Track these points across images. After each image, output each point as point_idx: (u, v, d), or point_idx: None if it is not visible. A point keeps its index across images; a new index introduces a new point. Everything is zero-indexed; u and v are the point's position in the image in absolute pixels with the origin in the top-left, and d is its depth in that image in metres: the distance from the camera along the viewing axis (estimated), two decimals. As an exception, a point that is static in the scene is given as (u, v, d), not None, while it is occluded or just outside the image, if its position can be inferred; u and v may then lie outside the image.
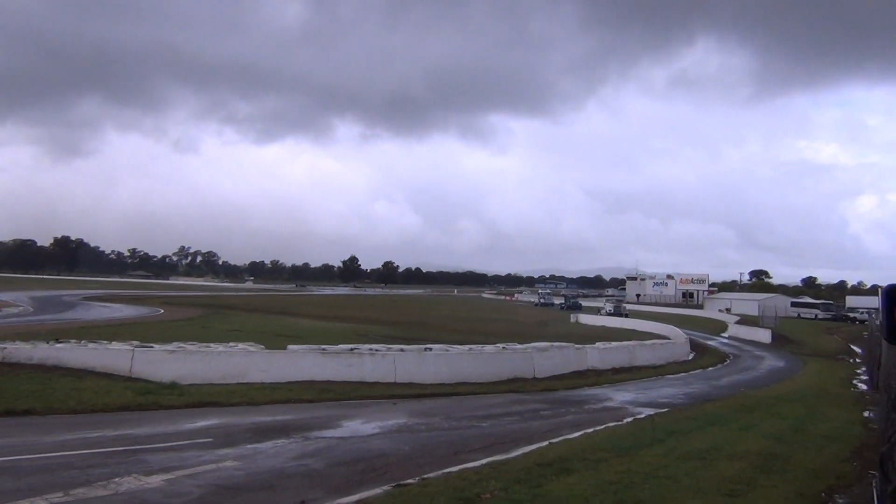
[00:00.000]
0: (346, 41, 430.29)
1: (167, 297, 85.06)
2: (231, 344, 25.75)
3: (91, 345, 23.31)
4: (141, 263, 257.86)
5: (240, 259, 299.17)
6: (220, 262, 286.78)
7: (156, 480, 10.81)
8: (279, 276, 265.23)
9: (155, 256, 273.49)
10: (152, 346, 23.33)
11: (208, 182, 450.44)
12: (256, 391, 20.29)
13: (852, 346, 52.61)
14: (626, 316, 75.77)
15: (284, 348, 25.20)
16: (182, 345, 24.45)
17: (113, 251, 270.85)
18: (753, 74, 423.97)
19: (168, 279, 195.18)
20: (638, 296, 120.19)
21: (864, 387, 28.79)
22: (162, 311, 60.37)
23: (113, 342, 24.39)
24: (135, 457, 12.33)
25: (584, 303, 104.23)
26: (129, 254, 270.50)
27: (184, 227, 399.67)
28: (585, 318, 73.81)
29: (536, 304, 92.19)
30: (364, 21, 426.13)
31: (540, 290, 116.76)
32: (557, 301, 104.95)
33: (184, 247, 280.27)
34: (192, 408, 17.71)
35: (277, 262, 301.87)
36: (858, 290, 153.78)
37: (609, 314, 75.03)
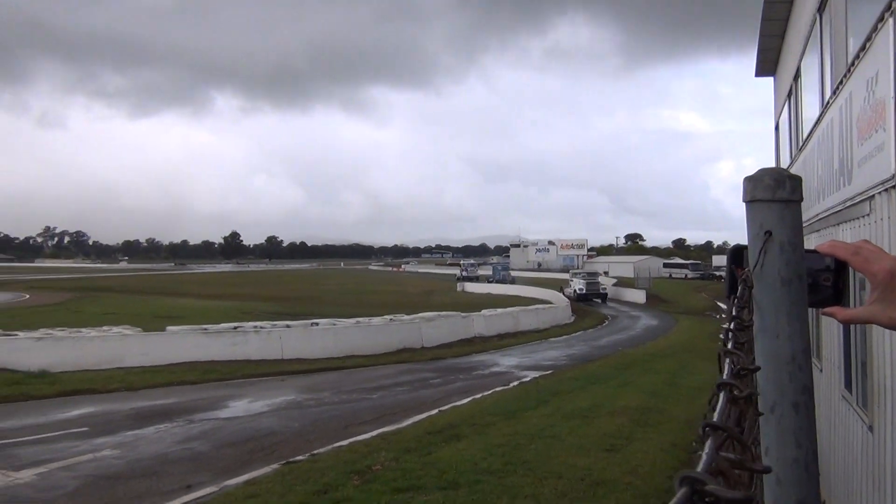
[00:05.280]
0: (224, 12, 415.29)
1: (32, 281, 79.84)
2: (105, 328, 24.58)
3: (-54, 336, 21.62)
4: (1, 246, 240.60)
5: (112, 238, 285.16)
6: (91, 242, 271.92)
7: (27, 475, 10.23)
8: (156, 255, 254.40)
9: (17, 238, 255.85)
10: (17, 335, 21.91)
11: (76, 159, 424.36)
12: (135, 376, 19.47)
13: (718, 303, 56.11)
14: (514, 282, 76.68)
15: (164, 330, 24.27)
16: (50, 331, 23.09)
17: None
18: (621, 47, 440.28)
19: (33, 262, 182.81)
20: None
21: (729, 340, 30.84)
22: (27, 296, 56.66)
23: (-28, 332, 22.71)
24: (2, 452, 11.61)
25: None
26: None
27: (49, 207, 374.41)
28: (472, 287, 74.94)
29: (459, 278, 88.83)
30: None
31: (462, 262, 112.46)
32: (483, 272, 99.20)
33: (49, 227, 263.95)
34: (66, 396, 16.81)
35: (154, 240, 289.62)
36: (723, 249, 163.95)
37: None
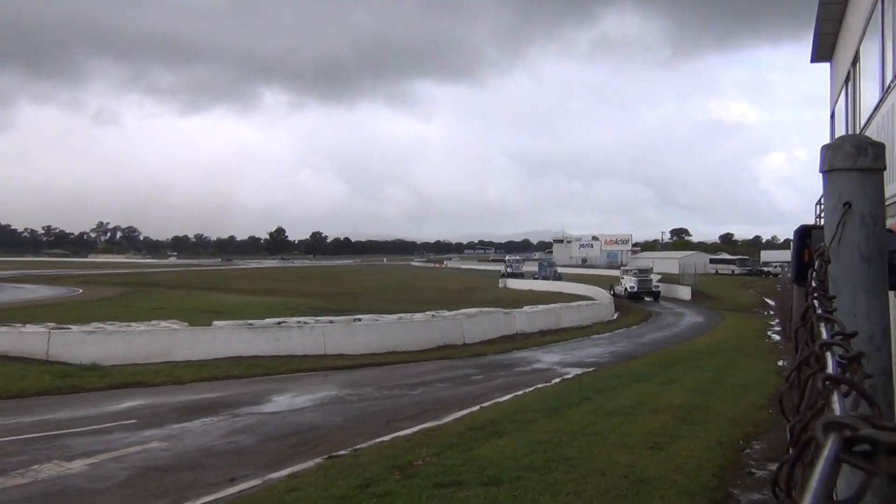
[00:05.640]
0: (272, 9, 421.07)
1: (86, 276, 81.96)
2: (154, 322, 25.07)
3: (2, 328, 22.32)
4: (57, 241, 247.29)
5: (162, 234, 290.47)
6: (142, 238, 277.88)
7: (78, 465, 10.49)
8: (204, 251, 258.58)
9: (72, 234, 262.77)
10: (70, 328, 22.50)
11: (129, 155, 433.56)
12: (182, 370, 19.85)
13: (766, 300, 54.94)
14: (560, 278, 75.58)
15: (210, 325, 24.68)
16: (101, 325, 23.67)
17: (26, 229, 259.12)
18: (670, 36, 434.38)
19: (87, 257, 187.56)
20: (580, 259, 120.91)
21: (777, 337, 30.19)
22: (80, 290, 58.20)
23: (27, 325, 23.41)
24: (55, 442, 11.93)
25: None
26: (43, 232, 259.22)
27: (102, 203, 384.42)
28: (513, 283, 74.68)
29: (503, 275, 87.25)
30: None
31: (507, 258, 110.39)
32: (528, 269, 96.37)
33: (102, 223, 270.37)
34: (116, 389, 17.22)
35: (202, 236, 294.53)
36: (772, 244, 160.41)
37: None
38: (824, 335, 0.91)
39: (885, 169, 1.17)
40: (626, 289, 56.59)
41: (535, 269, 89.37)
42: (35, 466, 10.32)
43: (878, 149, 1.15)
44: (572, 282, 66.11)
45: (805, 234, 1.36)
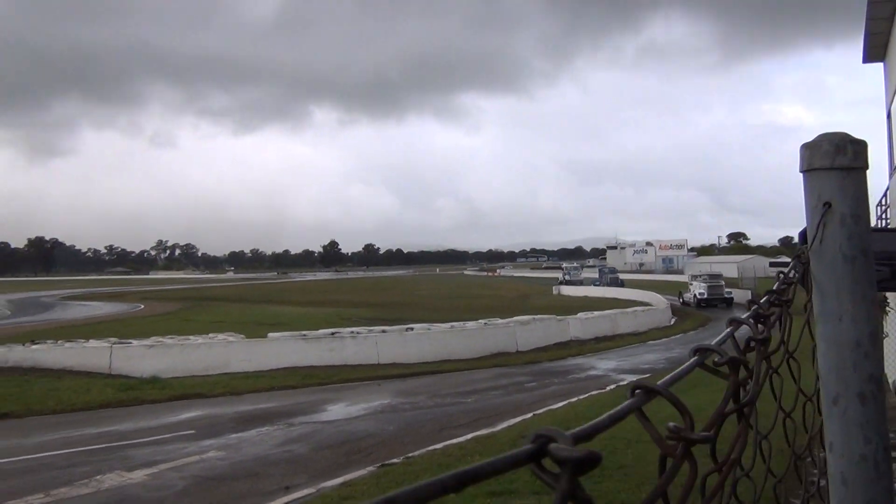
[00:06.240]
0: (320, 29, 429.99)
1: (147, 292, 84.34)
2: (211, 335, 25.62)
3: (68, 344, 23.10)
4: (119, 260, 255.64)
5: (219, 250, 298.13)
6: (200, 254, 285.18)
7: (139, 475, 10.74)
8: (260, 265, 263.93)
9: (133, 252, 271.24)
10: (131, 343, 23.16)
11: (185, 175, 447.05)
12: (239, 380, 20.21)
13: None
14: (623, 285, 73.56)
15: (265, 336, 25.08)
16: (161, 339, 24.30)
17: (90, 249, 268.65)
18: (719, 41, 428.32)
19: (147, 274, 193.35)
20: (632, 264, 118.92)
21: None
22: (142, 306, 59.85)
23: (90, 340, 24.19)
24: (117, 453, 12.24)
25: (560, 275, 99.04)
26: (106, 251, 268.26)
27: (161, 222, 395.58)
28: (567, 290, 74.01)
29: (561, 282, 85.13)
30: (337, 7, 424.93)
31: (564, 266, 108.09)
32: (591, 275, 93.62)
33: (161, 241, 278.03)
34: (175, 401, 17.61)
35: (257, 250, 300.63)
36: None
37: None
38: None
39: (867, 168, 1.11)
40: (695, 295, 53.35)
41: (593, 275, 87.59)
42: (98, 476, 10.61)
43: (859, 146, 1.10)
44: (633, 288, 64.88)
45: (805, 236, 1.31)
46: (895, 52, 14.04)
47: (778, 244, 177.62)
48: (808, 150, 1.12)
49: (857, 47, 16.19)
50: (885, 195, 17.66)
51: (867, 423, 1.05)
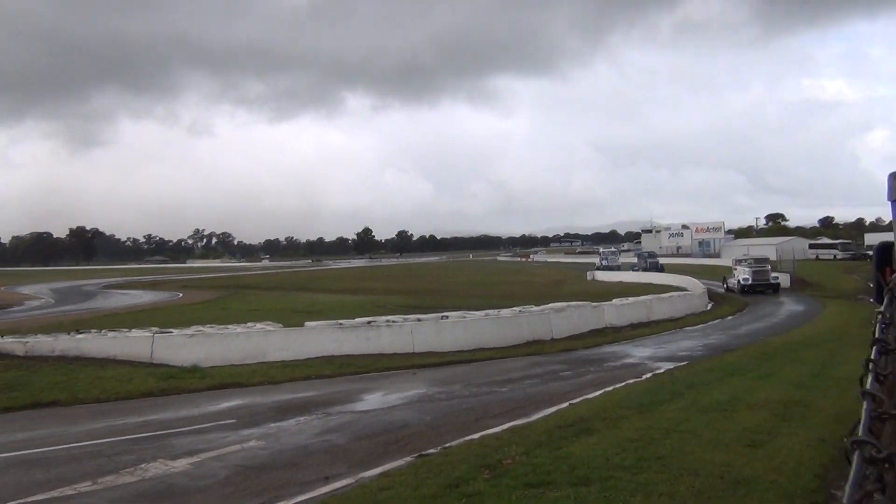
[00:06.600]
0: (353, 14, 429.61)
1: (185, 281, 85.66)
2: (249, 324, 25.97)
3: (111, 333, 23.60)
4: (157, 249, 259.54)
5: (255, 238, 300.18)
6: (236, 243, 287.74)
7: (182, 464, 10.98)
8: (295, 253, 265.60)
9: (171, 241, 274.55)
10: (171, 332, 23.57)
11: (222, 164, 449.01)
12: (277, 370, 20.48)
13: (871, 285, 52.26)
14: (663, 270, 70.64)
15: (302, 325, 25.36)
16: (201, 328, 24.70)
17: (129, 238, 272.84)
18: (757, 14, 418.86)
19: (185, 263, 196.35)
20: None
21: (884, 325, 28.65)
22: (181, 294, 60.86)
23: (133, 329, 24.68)
24: (160, 442, 12.52)
25: (595, 259, 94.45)
26: (144, 240, 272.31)
27: (198, 210, 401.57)
28: (602, 275, 73.52)
29: (598, 267, 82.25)
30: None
31: (602, 250, 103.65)
32: (626, 260, 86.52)
33: (198, 229, 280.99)
34: (215, 390, 17.92)
35: (292, 238, 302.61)
36: (877, 226, 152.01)
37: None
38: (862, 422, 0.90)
39: None
40: (738, 281, 51.55)
41: (631, 260, 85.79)
42: (143, 465, 10.86)
43: None
44: (672, 273, 64.05)
45: (885, 251, 1.29)
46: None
47: (818, 224, 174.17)
48: (896, 178, 1.12)
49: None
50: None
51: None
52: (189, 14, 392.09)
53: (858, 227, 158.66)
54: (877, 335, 1.03)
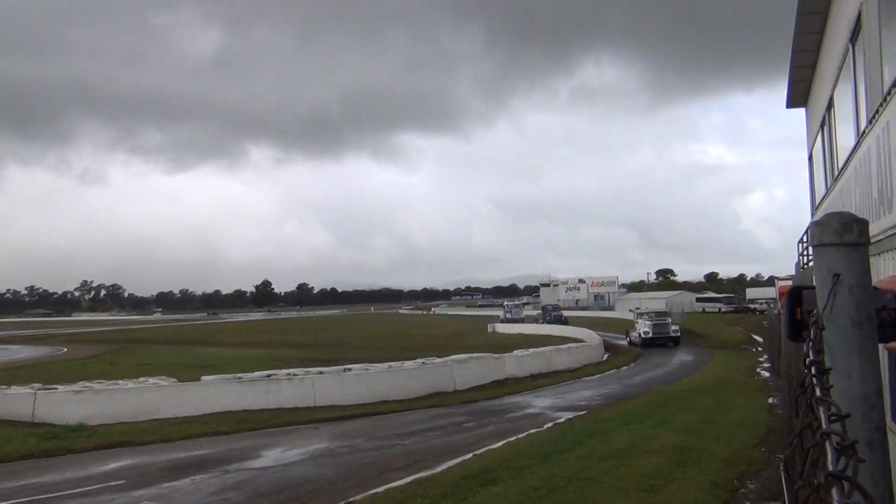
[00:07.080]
0: (259, 67, 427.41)
1: (70, 335, 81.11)
2: (141, 379, 24.82)
3: (-14, 391, 22.02)
4: (40, 301, 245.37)
5: (147, 290, 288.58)
6: (126, 295, 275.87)
7: (66, 530, 10.31)
8: (189, 306, 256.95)
9: (55, 293, 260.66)
10: (56, 388, 22.24)
11: (114, 214, 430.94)
12: (171, 427, 19.60)
13: (754, 336, 55.12)
14: (567, 322, 70.37)
15: (198, 380, 24.44)
16: (88, 384, 23.41)
17: (9, 290, 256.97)
18: (647, 84, 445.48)
19: (70, 316, 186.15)
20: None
21: (766, 374, 30.21)
22: (65, 349, 57.56)
23: (12, 386, 23.11)
24: (41, 507, 11.72)
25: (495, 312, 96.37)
26: (26, 292, 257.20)
27: (87, 262, 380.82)
28: (502, 328, 74.47)
29: (502, 321, 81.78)
30: (277, 46, 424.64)
31: (506, 303, 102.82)
32: (528, 313, 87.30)
33: (86, 281, 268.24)
34: (103, 449, 16.96)
35: (187, 290, 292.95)
36: (757, 281, 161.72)
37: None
38: (822, 418, 1.02)
39: (869, 243, 1.31)
40: (640, 334, 51.47)
41: (535, 313, 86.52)
42: (22, 532, 10.13)
43: (863, 225, 1.29)
44: (573, 325, 65.20)
45: (796, 294, 1.50)
46: (816, 99, 14.88)
47: (703, 279, 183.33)
48: (819, 227, 1.30)
49: (778, 91, 17.27)
50: (805, 233, 18.53)
51: (874, 467, 1.20)
52: (88, 59, 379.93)
53: (740, 282, 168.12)
54: (811, 357, 1.19)
